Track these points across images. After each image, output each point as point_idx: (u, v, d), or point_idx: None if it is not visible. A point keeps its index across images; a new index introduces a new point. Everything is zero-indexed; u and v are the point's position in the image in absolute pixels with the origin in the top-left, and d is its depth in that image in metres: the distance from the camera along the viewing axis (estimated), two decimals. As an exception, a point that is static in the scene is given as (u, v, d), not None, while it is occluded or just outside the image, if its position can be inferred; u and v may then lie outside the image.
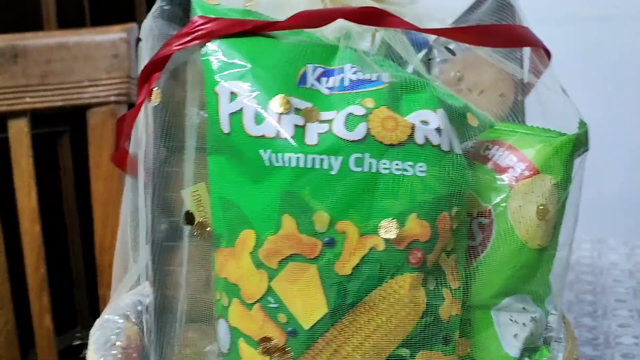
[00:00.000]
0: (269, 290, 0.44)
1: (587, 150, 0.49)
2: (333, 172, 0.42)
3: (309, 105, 0.44)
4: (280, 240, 0.43)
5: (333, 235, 0.42)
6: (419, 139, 0.42)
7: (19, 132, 0.85)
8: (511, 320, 0.48)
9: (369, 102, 0.43)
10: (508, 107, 0.48)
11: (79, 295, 1.37)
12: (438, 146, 0.43)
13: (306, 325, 0.43)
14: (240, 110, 0.44)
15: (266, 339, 0.44)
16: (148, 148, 0.52)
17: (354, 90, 0.44)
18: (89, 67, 0.85)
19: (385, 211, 0.42)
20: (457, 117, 0.46)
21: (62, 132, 1.25)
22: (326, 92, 0.44)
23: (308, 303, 0.43)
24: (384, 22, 0.46)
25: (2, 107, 0.84)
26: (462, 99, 0.48)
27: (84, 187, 1.27)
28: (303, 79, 0.45)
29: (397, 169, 0.42)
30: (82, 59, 0.85)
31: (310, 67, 0.45)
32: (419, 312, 0.43)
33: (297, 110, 0.43)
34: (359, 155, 0.42)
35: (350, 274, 0.42)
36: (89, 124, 0.87)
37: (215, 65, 0.45)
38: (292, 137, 0.43)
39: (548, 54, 0.50)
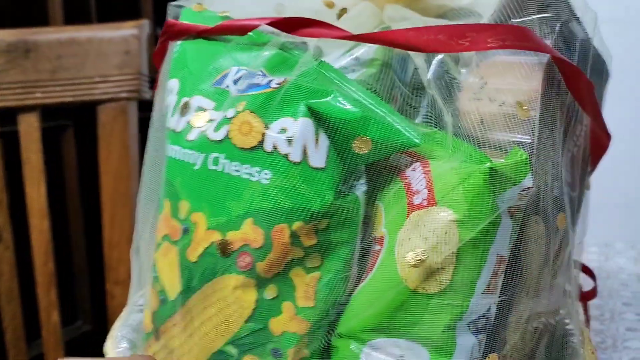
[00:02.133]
0: (154, 262, 0.49)
1: (528, 188, 0.41)
2: (196, 167, 0.45)
3: (198, 99, 0.47)
4: (161, 221, 0.48)
5: (188, 224, 0.46)
6: (268, 146, 0.43)
7: (30, 127, 0.86)
8: None
9: (240, 106, 0.44)
10: (521, 119, 0.44)
11: (81, 289, 1.37)
12: (285, 155, 0.43)
13: (171, 296, 0.47)
14: (169, 104, 0.49)
15: (153, 304, 0.49)
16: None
17: (245, 93, 0.45)
18: (100, 63, 0.86)
19: (227, 210, 0.44)
20: (340, 135, 0.43)
21: (65, 126, 1.25)
22: (234, 92, 0.46)
23: (171, 278, 0.47)
24: (307, 32, 0.46)
25: (13, 101, 0.84)
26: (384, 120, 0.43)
27: (87, 182, 1.28)
28: (222, 79, 0.47)
29: (245, 173, 0.43)
30: (94, 55, 0.85)
31: (234, 68, 0.47)
32: (244, 315, 0.44)
33: (200, 109, 0.47)
34: (216, 154, 0.44)
35: (195, 261, 0.45)
36: (99, 120, 0.87)
37: (172, 62, 0.51)
38: (180, 132, 0.47)
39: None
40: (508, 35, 0.42)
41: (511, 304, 0.44)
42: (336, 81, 0.44)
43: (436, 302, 0.41)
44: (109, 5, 1.41)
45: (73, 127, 1.26)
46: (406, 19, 0.49)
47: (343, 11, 0.52)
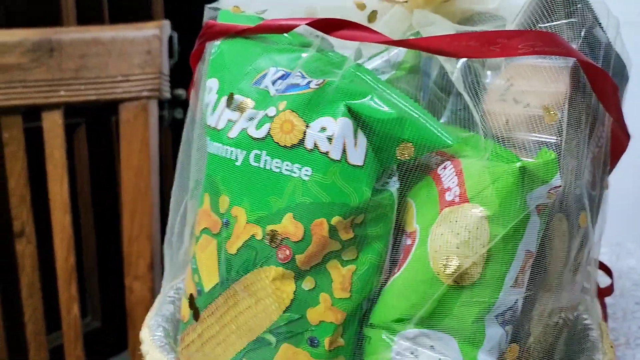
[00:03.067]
0: (194, 254, 0.51)
1: (557, 187, 0.43)
2: (237, 164, 0.47)
3: (245, 100, 0.49)
4: (200, 214, 0.50)
5: (228, 218, 0.48)
6: (309, 144, 0.45)
7: (54, 125, 0.87)
8: (412, 354, 0.44)
9: (282, 105, 0.46)
10: (548, 123, 0.45)
11: (91, 285, 1.39)
12: (326, 153, 0.44)
13: (206, 288, 0.49)
14: (209, 102, 0.51)
15: (191, 294, 0.51)
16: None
17: (284, 93, 0.47)
18: (122, 63, 0.88)
19: (268, 205, 0.46)
20: (379, 135, 0.45)
21: (78, 124, 1.27)
22: (273, 92, 0.48)
23: (208, 270, 0.49)
24: (346, 34, 0.48)
25: (37, 99, 0.86)
26: (420, 126, 0.45)
27: (98, 179, 1.29)
28: (261, 79, 0.49)
29: (287, 170, 0.45)
30: (116, 55, 0.87)
31: (272, 69, 0.49)
32: (283, 305, 0.46)
33: (242, 108, 0.49)
34: (258, 152, 0.46)
35: (235, 254, 0.47)
36: (120, 117, 0.89)
37: (210, 63, 0.53)
38: (221, 129, 0.49)
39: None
40: (537, 41, 0.43)
41: (535, 298, 0.46)
42: (371, 83, 0.46)
43: (467, 295, 0.43)
44: (121, 7, 1.42)
45: (85, 125, 1.27)
46: (433, 24, 0.51)
47: (374, 14, 0.53)
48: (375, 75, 0.48)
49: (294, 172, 0.45)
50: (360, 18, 0.53)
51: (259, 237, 0.46)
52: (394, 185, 0.46)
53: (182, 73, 1.48)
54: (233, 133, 0.48)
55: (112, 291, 0.99)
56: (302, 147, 0.45)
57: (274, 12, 0.55)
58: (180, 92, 1.44)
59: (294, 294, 0.46)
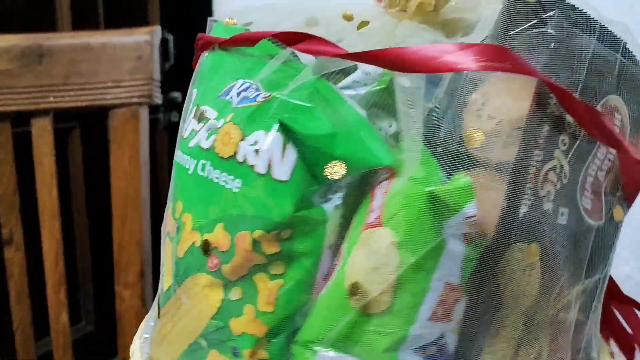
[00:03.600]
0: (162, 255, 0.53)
1: (472, 217, 0.40)
2: (190, 172, 0.48)
3: (208, 110, 0.49)
4: (166, 218, 0.52)
5: (179, 223, 0.49)
6: (240, 156, 0.45)
7: (42, 131, 0.87)
8: None
9: (229, 117, 0.47)
10: (471, 147, 0.42)
11: (84, 290, 1.38)
12: (252, 167, 0.44)
13: (164, 287, 0.51)
14: (185, 111, 0.53)
15: (159, 292, 0.53)
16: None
17: (237, 106, 0.47)
18: (112, 69, 0.87)
19: (207, 214, 0.47)
20: (310, 151, 0.44)
21: (72, 128, 1.26)
22: (233, 105, 0.48)
23: (167, 271, 0.51)
24: (304, 47, 0.47)
25: (27, 105, 0.86)
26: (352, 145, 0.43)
27: (92, 184, 1.29)
28: (228, 90, 0.49)
29: (223, 180, 0.46)
30: (106, 60, 0.87)
31: (240, 81, 0.49)
32: (210, 312, 0.47)
33: (205, 119, 0.50)
34: (204, 161, 0.47)
35: (181, 258, 0.48)
36: (110, 124, 0.89)
37: (197, 74, 0.54)
38: (185, 139, 0.50)
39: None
40: (483, 56, 0.41)
41: (484, 334, 0.44)
42: (329, 97, 0.45)
43: (377, 323, 0.42)
44: (116, 10, 1.42)
45: (79, 129, 1.27)
46: (415, 36, 0.49)
47: (363, 24, 0.53)
48: (334, 89, 0.47)
49: (228, 184, 0.45)
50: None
51: (197, 244, 0.47)
52: (333, 202, 0.45)
53: (178, 76, 1.48)
54: (192, 142, 0.49)
55: (106, 296, 0.98)
56: (235, 159, 0.45)
57: (274, 24, 0.55)
58: (176, 94, 1.43)
59: (221, 302, 0.46)
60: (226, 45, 0.52)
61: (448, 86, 0.47)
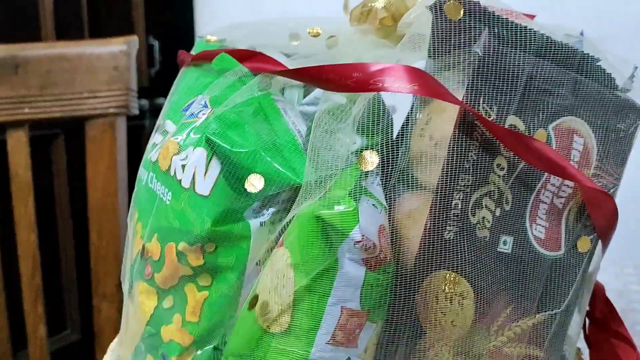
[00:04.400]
0: None
1: (359, 241, 0.39)
2: (142, 183, 0.50)
3: (168, 124, 0.51)
4: (129, 225, 0.54)
5: (134, 231, 0.51)
6: (172, 170, 0.46)
7: (18, 142, 0.86)
8: None
9: (174, 132, 0.48)
10: (363, 170, 0.42)
11: (69, 298, 1.38)
12: (180, 181, 0.46)
13: (124, 289, 0.53)
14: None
15: None
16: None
17: (185, 121, 0.48)
18: (89, 79, 0.86)
19: (148, 224, 0.48)
20: (233, 166, 0.45)
21: (55, 135, 1.26)
22: (183, 119, 0.49)
23: (125, 275, 0.53)
24: (252, 65, 0.48)
25: (1, 117, 0.85)
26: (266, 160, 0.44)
27: (77, 191, 1.28)
28: (188, 106, 0.50)
29: (161, 192, 0.47)
30: (83, 71, 0.86)
31: (199, 96, 0.50)
32: (145, 318, 0.48)
33: (165, 132, 0.51)
34: (152, 174, 0.49)
35: (132, 264, 0.50)
36: (87, 135, 0.88)
37: (172, 87, 0.55)
38: (146, 152, 0.51)
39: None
40: (396, 77, 0.40)
41: None
42: (269, 113, 0.47)
43: (278, 342, 0.41)
44: (101, 17, 1.41)
45: (63, 135, 1.26)
46: (370, 51, 0.49)
47: (331, 38, 0.52)
48: (275, 106, 0.47)
49: (164, 195, 0.47)
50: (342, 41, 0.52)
51: (141, 252, 0.49)
52: (261, 217, 0.45)
53: (164, 81, 1.47)
54: (149, 155, 0.50)
55: (91, 305, 0.97)
56: (169, 172, 0.46)
57: (263, 38, 0.56)
58: (162, 100, 1.42)
59: (154, 309, 0.48)
60: (194, 60, 0.53)
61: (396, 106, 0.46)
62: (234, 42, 0.55)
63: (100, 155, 0.87)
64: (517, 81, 0.41)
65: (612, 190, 0.46)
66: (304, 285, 0.40)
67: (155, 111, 1.47)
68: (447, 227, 0.41)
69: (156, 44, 1.47)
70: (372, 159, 0.41)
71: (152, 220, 0.47)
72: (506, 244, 0.43)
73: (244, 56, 0.48)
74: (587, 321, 0.53)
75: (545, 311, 0.45)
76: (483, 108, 0.41)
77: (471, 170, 0.41)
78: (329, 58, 0.49)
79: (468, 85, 0.40)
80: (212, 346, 0.46)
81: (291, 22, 0.55)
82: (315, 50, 0.52)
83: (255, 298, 0.42)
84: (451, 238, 0.41)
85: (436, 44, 0.41)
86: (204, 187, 0.45)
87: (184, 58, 0.55)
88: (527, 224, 0.43)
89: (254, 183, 0.43)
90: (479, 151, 0.41)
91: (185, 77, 0.54)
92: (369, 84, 0.40)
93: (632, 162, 0.48)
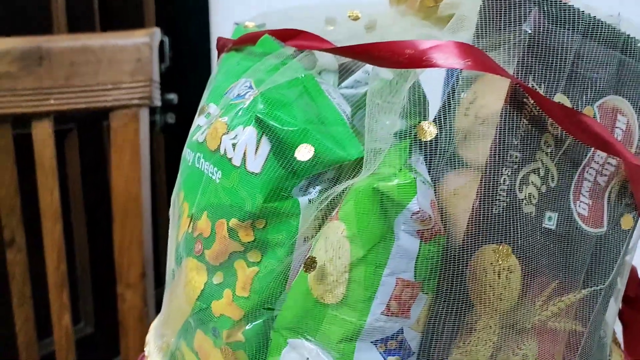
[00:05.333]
0: None
1: (416, 212, 0.40)
2: (189, 164, 0.52)
3: (211, 107, 0.52)
4: (173, 205, 0.55)
5: (180, 211, 0.52)
6: (222, 149, 0.48)
7: (43, 133, 0.87)
8: None
9: (220, 113, 0.50)
10: (422, 140, 0.43)
11: (84, 291, 1.39)
12: (230, 159, 0.47)
13: (168, 270, 0.55)
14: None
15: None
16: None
17: (232, 102, 0.50)
18: (112, 71, 0.87)
19: (198, 203, 0.49)
20: (283, 144, 0.46)
21: (69, 129, 1.27)
22: (230, 101, 0.50)
23: (170, 254, 0.55)
24: (297, 43, 0.49)
25: (27, 108, 0.86)
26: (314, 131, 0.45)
27: (90, 185, 1.29)
28: (232, 89, 0.51)
29: (210, 171, 0.49)
30: (106, 62, 0.87)
31: (242, 79, 0.51)
32: (195, 294, 0.50)
33: (209, 115, 0.52)
34: (199, 154, 0.50)
35: (179, 242, 0.52)
36: (111, 126, 0.89)
37: (213, 73, 0.57)
38: (191, 133, 0.53)
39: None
40: (451, 53, 0.41)
41: (452, 335, 0.43)
42: (314, 94, 0.48)
43: (333, 313, 0.43)
44: (112, 12, 1.42)
45: (77, 130, 1.27)
46: (410, 31, 0.50)
47: (370, 20, 0.53)
48: (319, 87, 0.48)
49: (213, 174, 0.48)
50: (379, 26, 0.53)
51: (190, 230, 0.50)
52: (309, 195, 0.47)
53: (174, 77, 1.48)
54: (194, 137, 0.52)
55: (105, 297, 0.99)
56: (219, 152, 0.48)
57: (296, 24, 0.56)
58: (172, 96, 1.43)
59: (204, 285, 0.49)
60: (235, 45, 0.54)
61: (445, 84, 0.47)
62: (272, 27, 0.56)
63: (124, 146, 0.89)
64: (565, 59, 0.42)
65: None
66: (360, 256, 0.41)
67: (165, 107, 1.48)
68: (496, 202, 0.42)
69: (166, 39, 1.48)
70: (430, 129, 0.42)
71: (201, 198, 0.48)
72: (551, 219, 0.44)
73: (288, 35, 0.49)
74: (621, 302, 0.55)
75: (590, 287, 0.46)
76: (532, 85, 0.41)
77: (519, 147, 0.42)
78: (370, 40, 0.51)
79: (518, 62, 0.41)
80: (262, 320, 0.47)
81: (324, 7, 0.56)
82: (353, 33, 0.53)
83: (311, 259, 0.43)
84: (499, 213, 0.42)
85: (485, 22, 0.42)
86: (255, 165, 0.46)
87: (224, 43, 0.56)
88: (572, 201, 0.44)
89: (303, 152, 0.44)
90: (527, 128, 0.42)
91: (226, 63, 0.55)
92: (422, 60, 0.41)
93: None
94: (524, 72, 0.41)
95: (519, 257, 0.42)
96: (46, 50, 0.86)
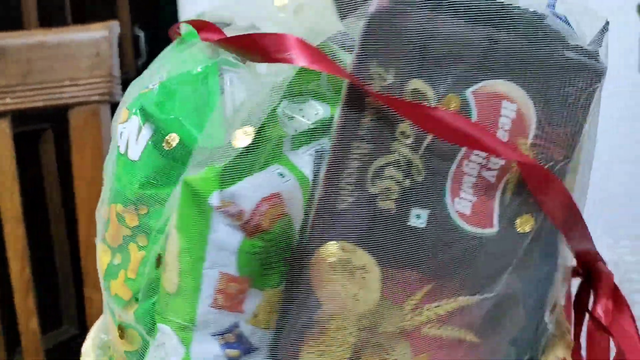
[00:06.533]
0: None
1: (218, 207, 0.39)
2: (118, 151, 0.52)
3: None
4: None
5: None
6: (117, 137, 0.50)
7: (1, 134, 0.84)
8: (157, 346, 0.44)
9: (128, 103, 0.51)
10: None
11: (65, 293, 1.37)
12: (118, 147, 0.49)
13: None
14: None
15: None
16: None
17: (142, 91, 0.50)
18: (70, 66, 0.85)
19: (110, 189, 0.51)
20: (160, 133, 0.47)
21: (44, 129, 1.25)
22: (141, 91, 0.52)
23: None
24: (206, 36, 0.49)
25: (-18, 108, 0.83)
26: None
27: (67, 185, 1.27)
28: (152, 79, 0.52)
29: (113, 159, 0.51)
30: (63, 58, 0.84)
31: (162, 70, 0.52)
32: (102, 274, 0.51)
33: None
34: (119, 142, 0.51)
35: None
36: (70, 124, 0.86)
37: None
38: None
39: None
40: (283, 46, 0.40)
41: (301, 333, 0.42)
42: (210, 84, 0.48)
43: (172, 300, 0.43)
44: (84, 8, 1.39)
45: (51, 130, 1.25)
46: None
47: (299, 8, 0.51)
48: (216, 76, 0.48)
49: (115, 161, 0.50)
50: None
51: (102, 214, 0.52)
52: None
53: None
54: None
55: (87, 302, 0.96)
56: (116, 139, 0.50)
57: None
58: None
59: (107, 265, 0.51)
60: (170, 34, 0.56)
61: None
62: (233, 16, 0.54)
63: (84, 144, 0.86)
64: (412, 40, 0.37)
65: (562, 163, 0.41)
66: (184, 247, 0.41)
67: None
68: (340, 197, 0.39)
69: (142, 34, 1.45)
70: (242, 137, 0.41)
71: (106, 183, 0.51)
72: (420, 217, 0.39)
73: (199, 27, 0.49)
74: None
75: (474, 294, 0.41)
76: (376, 71, 0.38)
77: (367, 138, 0.38)
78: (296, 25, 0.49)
79: (357, 46, 0.37)
80: (149, 302, 0.47)
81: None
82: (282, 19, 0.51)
83: (159, 257, 0.44)
84: (346, 208, 0.39)
85: (341, 7, 0.40)
86: (134, 152, 0.47)
87: (170, 35, 0.56)
88: (448, 198, 0.40)
89: (170, 141, 0.46)
90: (375, 118, 0.38)
91: (164, 53, 0.55)
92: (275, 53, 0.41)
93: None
94: (364, 57, 0.38)
95: (376, 256, 0.39)
96: (1, 47, 0.84)
